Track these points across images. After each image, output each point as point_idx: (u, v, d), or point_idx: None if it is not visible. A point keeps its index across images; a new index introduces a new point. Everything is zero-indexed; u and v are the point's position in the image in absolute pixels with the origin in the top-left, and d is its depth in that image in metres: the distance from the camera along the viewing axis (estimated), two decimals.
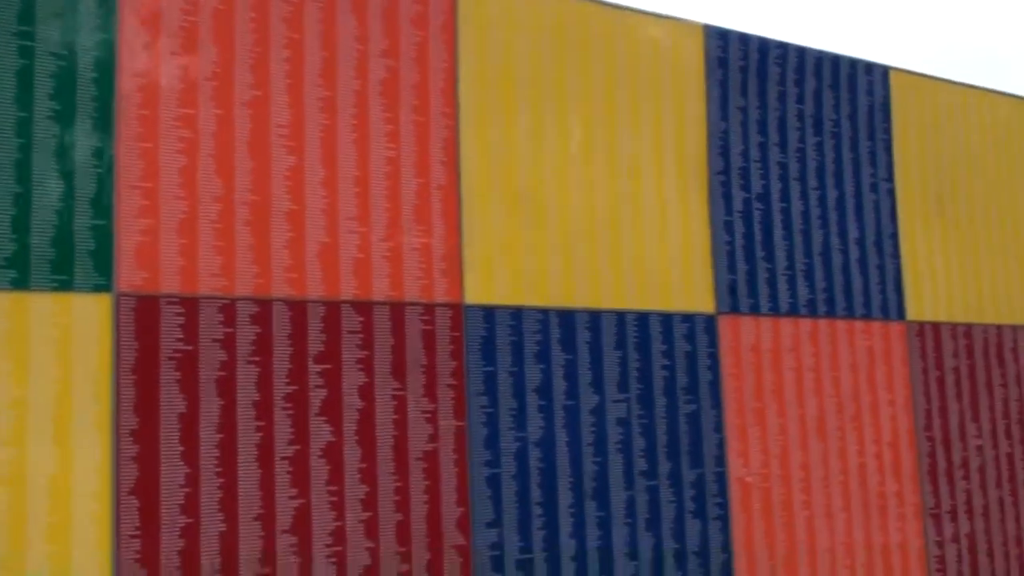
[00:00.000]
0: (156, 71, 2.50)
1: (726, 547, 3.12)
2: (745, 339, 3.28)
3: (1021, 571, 3.77)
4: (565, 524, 2.86)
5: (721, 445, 3.16)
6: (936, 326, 3.73)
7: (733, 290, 3.28)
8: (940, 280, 3.77)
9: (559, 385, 2.92)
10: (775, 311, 3.35)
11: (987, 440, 3.78)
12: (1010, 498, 3.80)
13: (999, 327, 3.90)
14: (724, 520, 3.13)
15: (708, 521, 3.10)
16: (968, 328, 3.81)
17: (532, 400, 2.87)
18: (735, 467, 3.18)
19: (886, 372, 3.57)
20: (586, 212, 3.04)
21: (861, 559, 3.39)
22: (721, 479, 3.15)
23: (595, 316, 3.00)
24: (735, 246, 3.31)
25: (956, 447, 3.69)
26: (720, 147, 3.32)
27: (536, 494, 2.84)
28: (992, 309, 3.89)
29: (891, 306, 3.62)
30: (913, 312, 3.68)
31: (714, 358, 3.20)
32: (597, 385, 2.98)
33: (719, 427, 3.17)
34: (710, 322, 3.21)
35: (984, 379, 3.82)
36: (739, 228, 3.32)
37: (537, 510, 2.83)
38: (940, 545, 3.58)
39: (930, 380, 3.67)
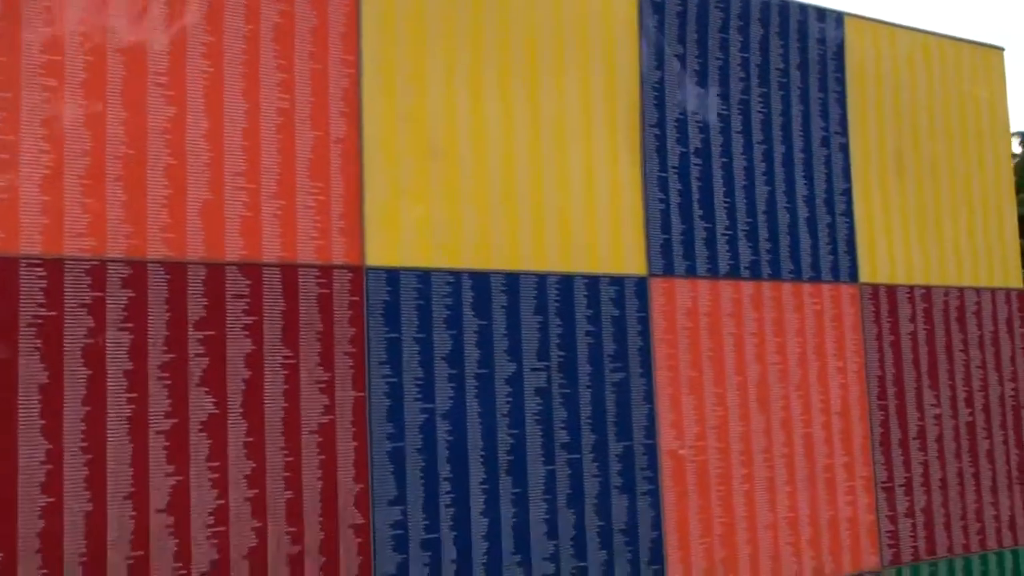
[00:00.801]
0: (16, 14, 2.30)
1: (656, 524, 2.94)
2: (680, 303, 3.08)
3: (981, 546, 3.59)
4: (476, 501, 2.68)
5: (652, 416, 2.98)
6: (892, 288, 3.52)
7: (667, 251, 3.08)
8: (897, 240, 3.56)
9: (471, 353, 2.73)
10: (714, 273, 3.15)
11: (946, 408, 3.59)
12: (971, 469, 3.61)
13: (961, 289, 3.69)
14: (655, 495, 2.95)
15: (636, 497, 2.92)
16: (927, 290, 3.61)
17: (441, 369, 2.68)
18: (667, 439, 3.00)
19: (836, 337, 3.37)
20: (505, 168, 2.84)
21: (806, 535, 3.21)
22: (651, 452, 2.97)
23: (513, 278, 2.81)
24: (670, 204, 3.10)
25: (912, 416, 3.50)
26: (655, 98, 3.11)
27: (444, 469, 2.65)
28: (954, 270, 3.69)
29: (843, 268, 3.42)
30: (867, 274, 3.48)
31: (645, 323, 3.00)
32: (514, 352, 2.78)
33: (649, 397, 2.98)
34: (641, 285, 3.02)
35: (944, 344, 3.62)
36: (675, 185, 3.12)
37: (445, 486, 2.65)
38: (893, 520, 3.40)
39: (884, 346, 3.48)
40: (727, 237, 3.19)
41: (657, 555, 2.93)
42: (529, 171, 2.87)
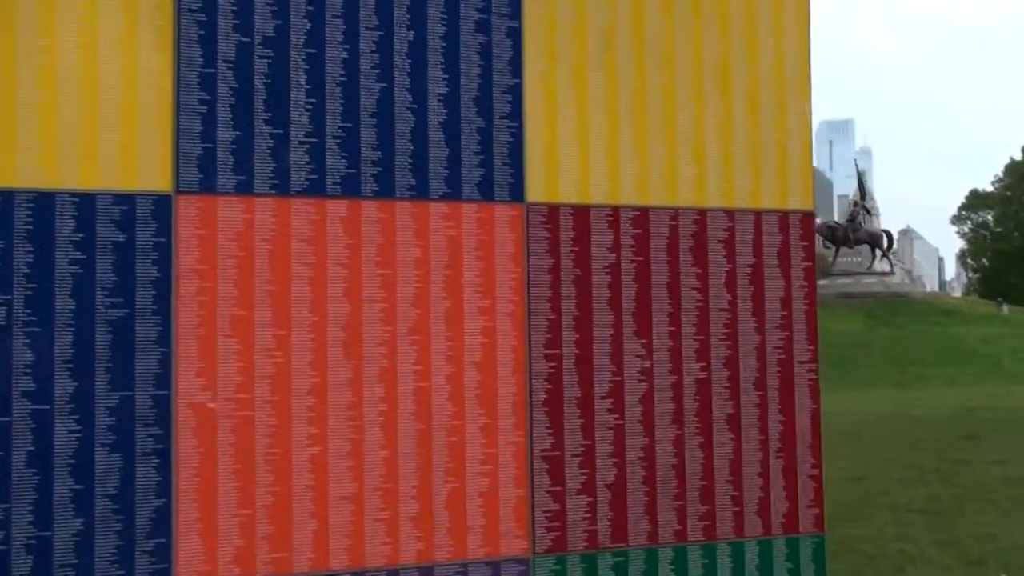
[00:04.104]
0: None
1: (164, 490, 2.46)
2: (225, 226, 2.54)
3: (707, 535, 2.85)
4: None
5: (167, 361, 2.48)
6: (582, 209, 2.80)
7: (208, 163, 2.53)
8: (596, 149, 2.82)
9: None
10: (282, 190, 2.58)
11: (662, 362, 2.84)
12: (698, 439, 2.86)
13: (702, 211, 2.90)
14: (164, 456, 2.47)
15: (135, 457, 2.45)
16: (642, 212, 2.85)
17: None
18: (189, 390, 2.49)
19: (482, 270, 2.71)
20: None
21: (409, 510, 2.62)
22: (164, 404, 2.48)
23: None
24: (217, 105, 2.55)
25: (603, 370, 2.79)
26: None
27: None
28: (691, 187, 2.89)
29: (499, 184, 2.74)
30: (539, 192, 2.77)
31: (165, 250, 2.49)
32: None
33: (166, 339, 2.48)
34: (162, 203, 2.50)
35: (665, 281, 2.86)
36: (227, 82, 2.56)
37: None
38: (558, 497, 2.74)
39: (563, 281, 2.78)
40: (308, 146, 2.60)
41: (162, 527, 2.45)
42: None
